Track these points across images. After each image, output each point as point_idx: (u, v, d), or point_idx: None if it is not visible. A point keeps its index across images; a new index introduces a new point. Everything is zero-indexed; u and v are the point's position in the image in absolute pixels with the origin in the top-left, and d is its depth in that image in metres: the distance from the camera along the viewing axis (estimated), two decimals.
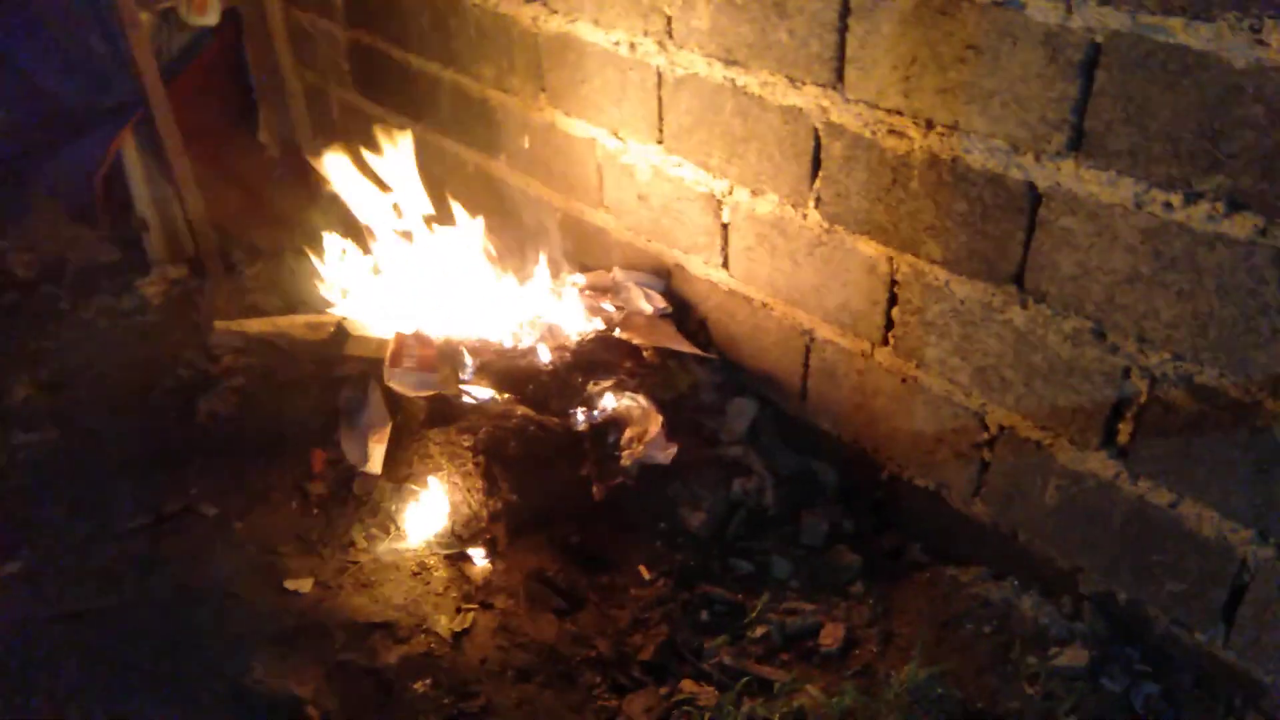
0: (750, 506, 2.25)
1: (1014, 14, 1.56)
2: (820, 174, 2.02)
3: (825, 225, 2.06)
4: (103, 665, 1.84)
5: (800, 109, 1.99)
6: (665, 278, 2.56)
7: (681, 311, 2.52)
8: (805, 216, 2.09)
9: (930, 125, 1.76)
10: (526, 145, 2.83)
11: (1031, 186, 1.66)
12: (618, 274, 2.52)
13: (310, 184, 3.79)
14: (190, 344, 2.94)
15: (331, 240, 2.52)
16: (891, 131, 1.83)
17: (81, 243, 3.60)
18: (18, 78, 3.31)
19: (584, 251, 2.77)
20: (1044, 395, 1.80)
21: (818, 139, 1.99)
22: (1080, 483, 1.80)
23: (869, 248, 1.99)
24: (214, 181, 3.44)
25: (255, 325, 2.46)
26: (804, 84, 1.96)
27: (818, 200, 2.05)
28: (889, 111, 1.82)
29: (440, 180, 3.27)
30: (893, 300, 2.00)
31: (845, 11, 1.81)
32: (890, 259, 1.96)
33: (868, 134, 1.88)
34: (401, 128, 3.36)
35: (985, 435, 1.95)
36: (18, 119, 3.53)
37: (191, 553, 2.08)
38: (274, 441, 2.44)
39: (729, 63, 2.09)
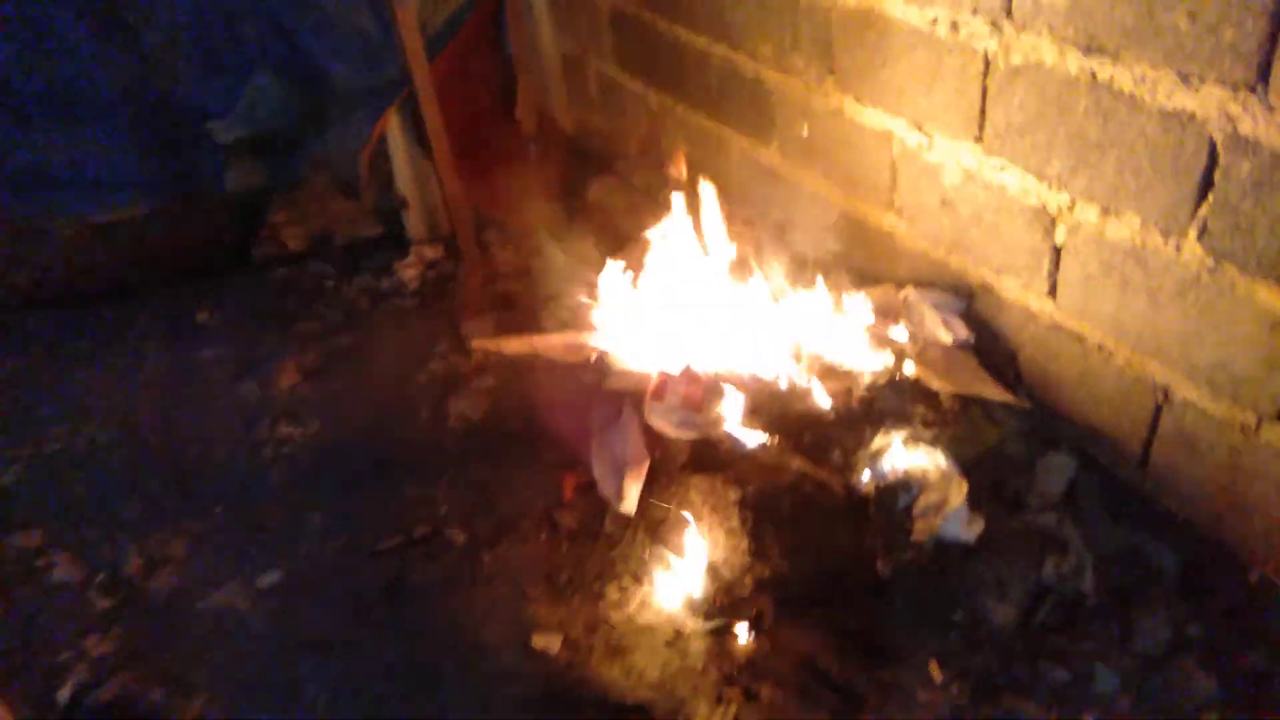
0: (1064, 592, 1.85)
1: None
2: (1210, 198, 1.55)
3: (1208, 263, 1.60)
4: (346, 703, 1.77)
5: (1192, 114, 1.53)
6: (967, 298, 2.16)
7: (985, 341, 2.12)
8: (1179, 249, 1.64)
9: None
10: (805, 133, 2.49)
11: None
12: (911, 294, 2.15)
13: (565, 162, 3.66)
14: (444, 333, 2.88)
15: (596, 252, 2.31)
16: None
17: (347, 216, 3.67)
18: (297, 55, 3.36)
19: (864, 258, 2.41)
20: None
21: (1214, 154, 1.52)
22: None
23: (1275, 299, 1.52)
24: (470, 159, 3.36)
25: (512, 345, 2.31)
26: (1203, 83, 1.49)
27: (1201, 230, 1.59)
28: None
29: (701, 164, 3.00)
30: None
31: None
32: None
33: None
34: (662, 105, 3.14)
35: None
36: (297, 96, 3.61)
37: (440, 583, 1.98)
38: (524, 454, 2.30)
39: (1090, 51, 1.65)
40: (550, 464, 2.25)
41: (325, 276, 3.34)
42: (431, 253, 3.35)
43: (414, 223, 3.42)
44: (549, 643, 1.79)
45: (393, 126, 3.26)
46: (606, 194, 3.28)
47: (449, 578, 2.00)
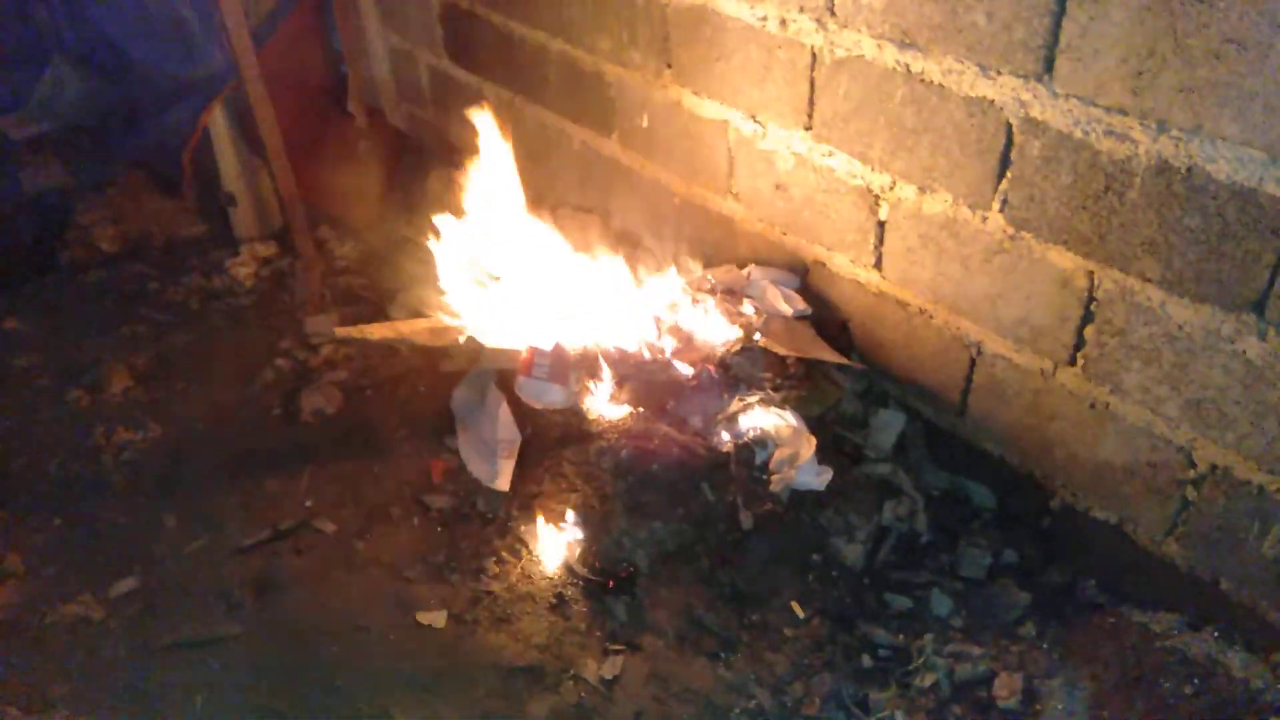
0: (901, 532, 2.07)
1: None
2: (1009, 174, 1.79)
3: (1009, 231, 1.84)
4: (230, 701, 1.73)
5: (992, 101, 1.76)
6: (801, 274, 2.35)
7: (820, 311, 2.32)
8: (985, 220, 1.87)
9: (1163, 128, 1.53)
10: (645, 124, 2.62)
11: None
12: (754, 271, 2.32)
13: (396, 155, 3.63)
14: (287, 331, 2.83)
15: (442, 231, 2.33)
16: (1110, 133, 1.60)
17: (165, 215, 3.50)
18: (102, 45, 3.17)
19: (707, 240, 2.57)
20: (1277, 437, 1.59)
21: (1010, 135, 1.76)
22: None
23: (1063, 259, 1.77)
24: (300, 153, 3.28)
25: (376, 331, 2.31)
26: (1000, 73, 1.72)
27: (1003, 203, 1.82)
28: (1109, 110, 1.59)
29: (541, 156, 3.08)
30: (1088, 318, 1.78)
31: None
32: (1090, 273, 1.74)
33: (1078, 134, 1.65)
34: (499, 98, 3.19)
35: (1191, 473, 1.74)
36: (100, 87, 3.40)
37: (314, 575, 1.96)
38: (385, 445, 2.31)
39: (904, 45, 1.86)
40: (414, 451, 2.27)
41: (147, 278, 3.17)
42: (264, 250, 3.26)
43: (243, 220, 3.31)
44: (434, 619, 1.82)
45: (217, 120, 3.14)
46: (445, 186, 3.29)
47: (322, 568, 1.98)
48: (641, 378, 2.02)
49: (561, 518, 1.94)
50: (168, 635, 1.86)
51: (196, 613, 1.90)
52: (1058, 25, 1.60)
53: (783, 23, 2.08)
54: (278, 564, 2.00)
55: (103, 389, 2.56)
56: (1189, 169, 1.52)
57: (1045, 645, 1.86)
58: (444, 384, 2.37)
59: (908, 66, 1.87)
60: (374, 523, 2.07)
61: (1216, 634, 1.78)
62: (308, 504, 2.13)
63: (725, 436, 1.98)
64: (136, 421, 2.44)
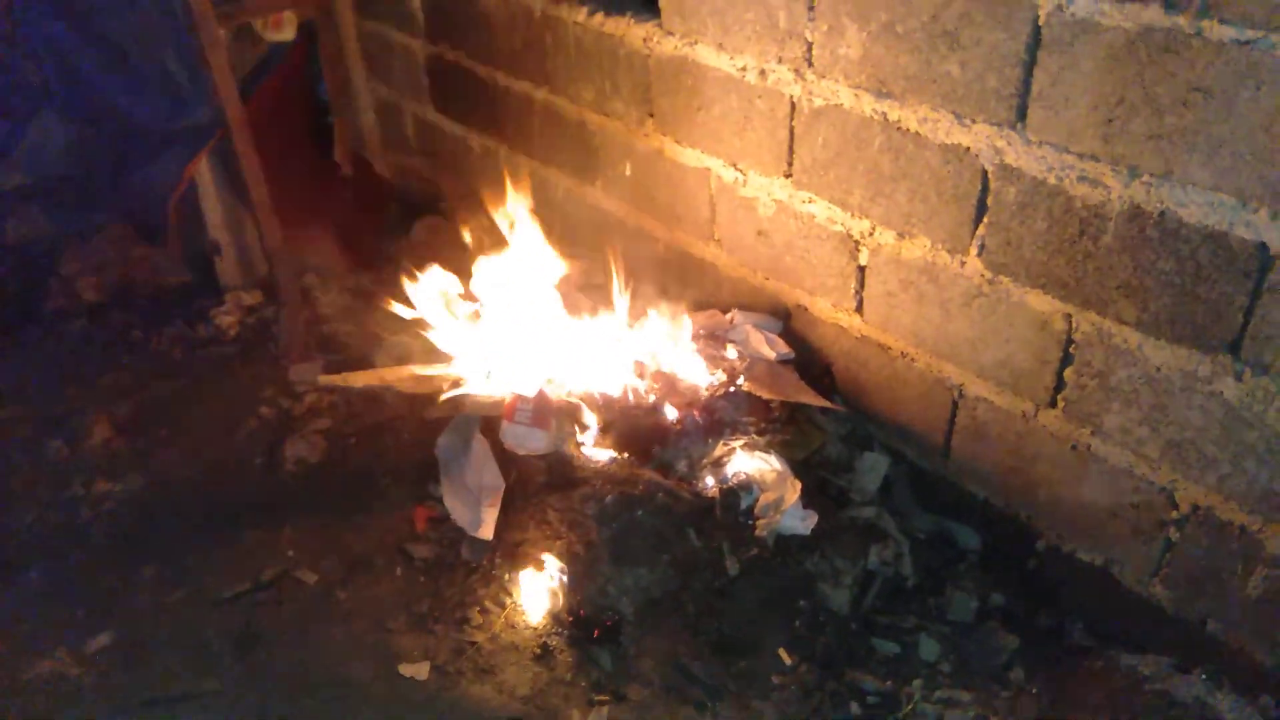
0: (887, 576, 2.06)
1: (1260, 55, 1.36)
2: (986, 220, 1.82)
3: (987, 275, 1.86)
4: None
5: (967, 149, 1.79)
6: (783, 318, 2.37)
7: (803, 355, 2.33)
8: (963, 264, 1.90)
9: (1134, 174, 1.56)
10: (628, 172, 2.65)
11: (1263, 247, 1.45)
12: (737, 316, 2.33)
13: (382, 204, 3.66)
14: (271, 379, 2.81)
15: (425, 281, 2.34)
16: (1083, 178, 1.63)
17: (149, 264, 3.49)
18: (90, 96, 3.19)
19: (689, 286, 2.58)
20: (1257, 477, 1.60)
21: (986, 182, 1.79)
22: None
23: (1041, 303, 1.79)
24: (285, 202, 3.30)
25: (361, 378, 2.31)
26: (974, 122, 1.76)
27: (981, 248, 1.85)
28: (1082, 156, 1.62)
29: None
30: (1067, 360, 1.80)
31: (1035, 45, 1.61)
32: (1068, 316, 1.76)
33: (1052, 180, 1.68)
34: (485, 147, 3.22)
35: (1174, 513, 1.75)
36: (87, 138, 3.41)
37: (295, 627, 1.93)
38: (368, 493, 2.29)
39: (881, 95, 1.90)
40: (398, 499, 2.25)
41: (130, 327, 3.16)
42: (249, 299, 3.25)
43: (228, 269, 3.31)
44: (417, 670, 1.80)
45: (202, 170, 3.15)
46: (431, 234, 3.31)
47: (304, 619, 1.96)
48: (625, 423, 2.02)
49: (546, 565, 1.93)
50: (146, 691, 1.82)
51: (175, 667, 1.87)
52: (1029, 75, 1.64)
53: (762, 73, 2.12)
54: (258, 616, 1.97)
55: (83, 439, 2.54)
56: (1161, 213, 1.55)
57: (1035, 690, 1.85)
58: (428, 431, 2.36)
59: (884, 115, 1.91)
60: (356, 573, 2.05)
61: (1205, 676, 1.77)
62: (289, 554, 2.11)
63: (710, 481, 1.98)
64: (117, 472, 2.42)
